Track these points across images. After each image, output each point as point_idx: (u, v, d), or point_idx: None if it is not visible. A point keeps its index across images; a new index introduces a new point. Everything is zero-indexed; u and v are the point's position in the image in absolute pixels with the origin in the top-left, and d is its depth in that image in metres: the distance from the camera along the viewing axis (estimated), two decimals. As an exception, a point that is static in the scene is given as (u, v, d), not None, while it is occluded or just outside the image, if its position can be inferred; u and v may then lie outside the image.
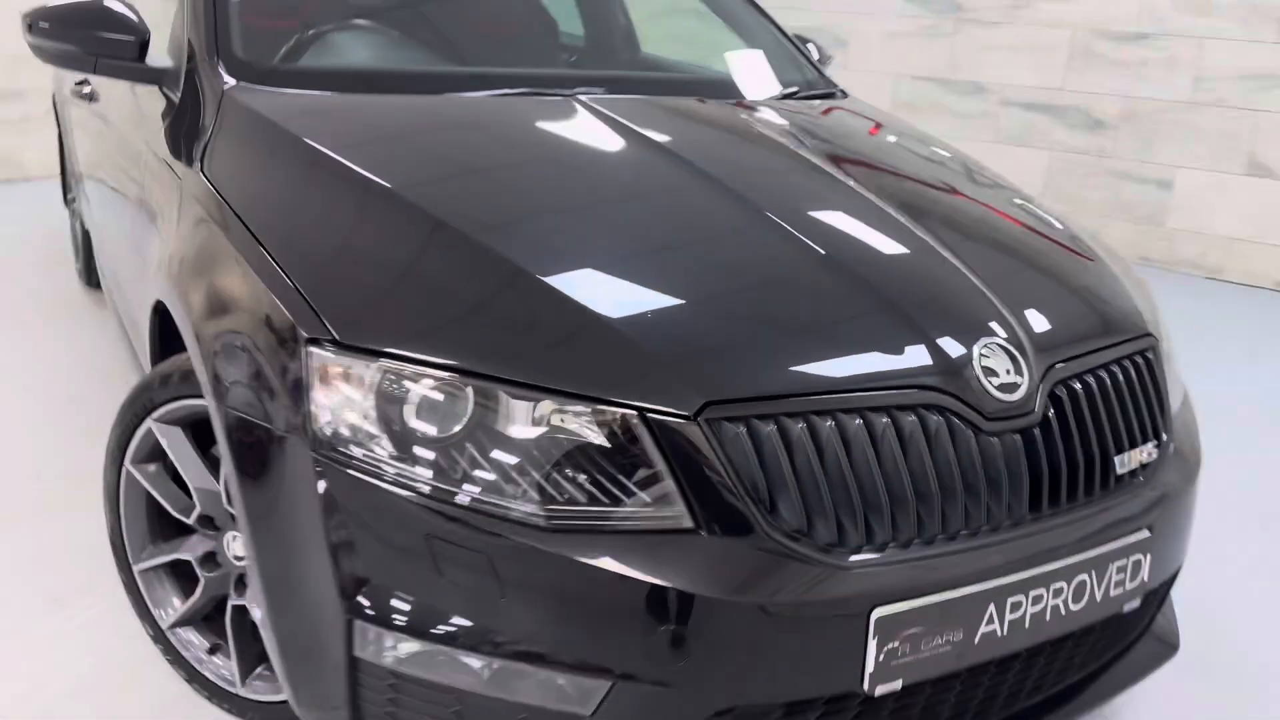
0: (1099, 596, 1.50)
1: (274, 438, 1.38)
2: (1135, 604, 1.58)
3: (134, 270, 2.20)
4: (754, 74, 2.56)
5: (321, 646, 1.39)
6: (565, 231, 1.57)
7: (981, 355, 1.43)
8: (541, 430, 1.29)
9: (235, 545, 1.71)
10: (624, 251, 1.55)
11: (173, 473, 1.80)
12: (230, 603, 1.74)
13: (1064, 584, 1.45)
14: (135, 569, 1.84)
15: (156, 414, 1.73)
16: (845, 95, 2.60)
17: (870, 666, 1.31)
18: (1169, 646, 1.80)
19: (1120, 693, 1.70)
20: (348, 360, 1.35)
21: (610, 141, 1.94)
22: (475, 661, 1.31)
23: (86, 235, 3.80)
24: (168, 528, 1.86)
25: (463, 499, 1.29)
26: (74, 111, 3.38)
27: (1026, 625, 1.43)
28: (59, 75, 3.79)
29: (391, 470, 1.31)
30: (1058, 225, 1.95)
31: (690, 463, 1.27)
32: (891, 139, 2.33)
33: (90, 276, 3.96)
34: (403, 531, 1.31)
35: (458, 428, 1.31)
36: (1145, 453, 1.59)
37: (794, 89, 2.53)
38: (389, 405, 1.33)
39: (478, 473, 1.30)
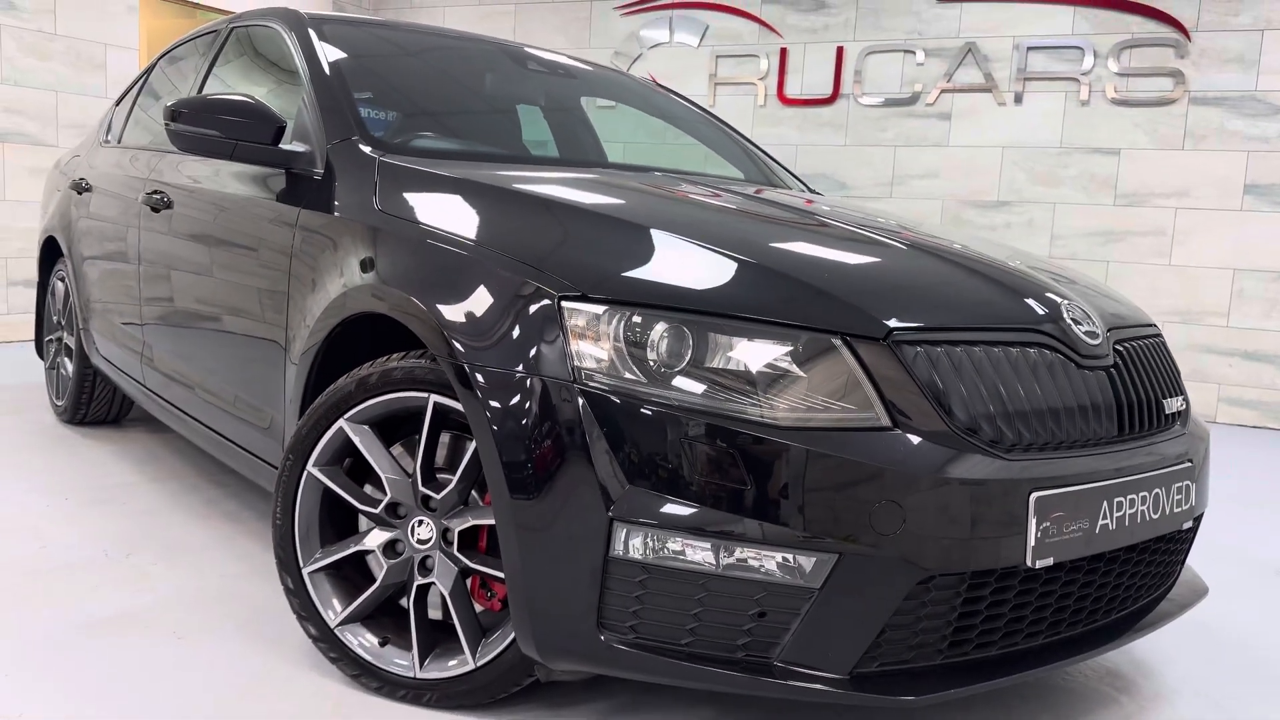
0: (1167, 510, 1.86)
1: (538, 383, 1.63)
2: (1188, 524, 1.96)
3: (265, 331, 2.40)
4: (770, 174, 3.08)
5: (573, 564, 1.60)
6: (744, 232, 1.98)
7: (1068, 310, 1.84)
8: (767, 355, 1.60)
9: (421, 529, 1.89)
10: (790, 242, 1.94)
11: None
12: (415, 584, 1.89)
13: (1147, 493, 1.81)
14: (305, 571, 1.97)
15: (350, 414, 1.93)
16: (821, 194, 3.14)
17: (1031, 541, 1.62)
18: (1200, 591, 2.17)
19: (1170, 621, 2.03)
20: (595, 309, 1.64)
21: (719, 195, 2.37)
22: (720, 548, 1.56)
23: (84, 374, 3.87)
24: (331, 532, 2.01)
25: (705, 410, 1.57)
26: (102, 234, 3.56)
27: (1126, 523, 1.77)
28: (65, 215, 3.96)
29: (643, 392, 1.59)
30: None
31: (883, 375, 1.60)
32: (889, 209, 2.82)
33: (76, 414, 3.99)
34: (656, 441, 1.57)
35: (690, 354, 1.61)
36: (1179, 402, 2.01)
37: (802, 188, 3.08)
38: (634, 340, 1.62)
39: (713, 389, 1.59)
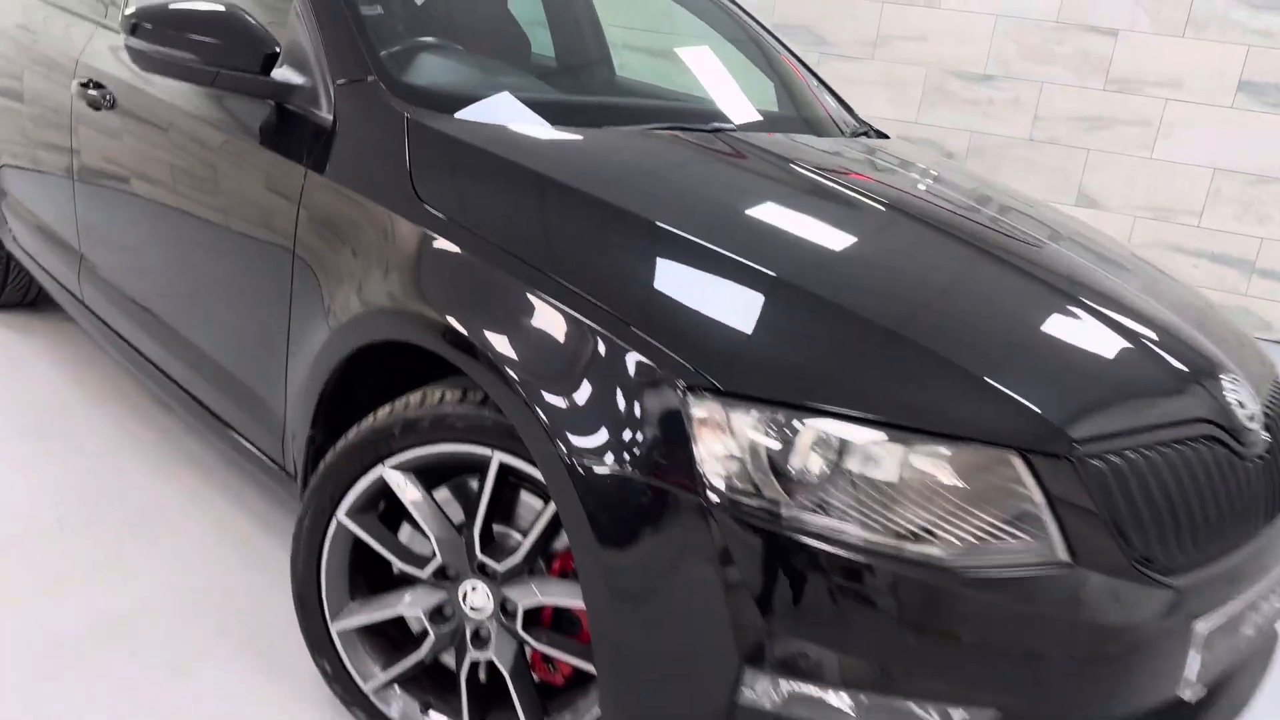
0: (1292, 597, 1.72)
1: (656, 492, 1.35)
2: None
3: (261, 313, 2.01)
4: (834, 112, 2.70)
5: (690, 701, 1.37)
6: (878, 277, 1.62)
7: (1231, 388, 1.62)
8: (924, 472, 1.35)
9: (475, 596, 1.63)
10: (934, 297, 1.61)
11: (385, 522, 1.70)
12: (467, 658, 1.65)
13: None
14: (335, 629, 1.71)
15: (393, 461, 1.62)
16: (889, 137, 2.78)
17: (1190, 674, 1.46)
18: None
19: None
20: (729, 408, 1.34)
21: (822, 189, 1.97)
22: (864, 700, 1.35)
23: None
24: (363, 580, 1.74)
25: (855, 543, 1.32)
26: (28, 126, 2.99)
27: (1263, 625, 1.63)
28: None
29: (782, 516, 1.33)
30: (1174, 278, 2.17)
31: (1063, 499, 1.37)
32: (1003, 192, 2.41)
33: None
34: (800, 577, 1.32)
35: (843, 471, 1.34)
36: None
37: (861, 130, 2.72)
38: (774, 452, 1.34)
39: (866, 516, 1.33)
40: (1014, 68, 6.03)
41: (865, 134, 2.74)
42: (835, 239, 1.74)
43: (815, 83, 2.93)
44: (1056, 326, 1.61)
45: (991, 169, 6.16)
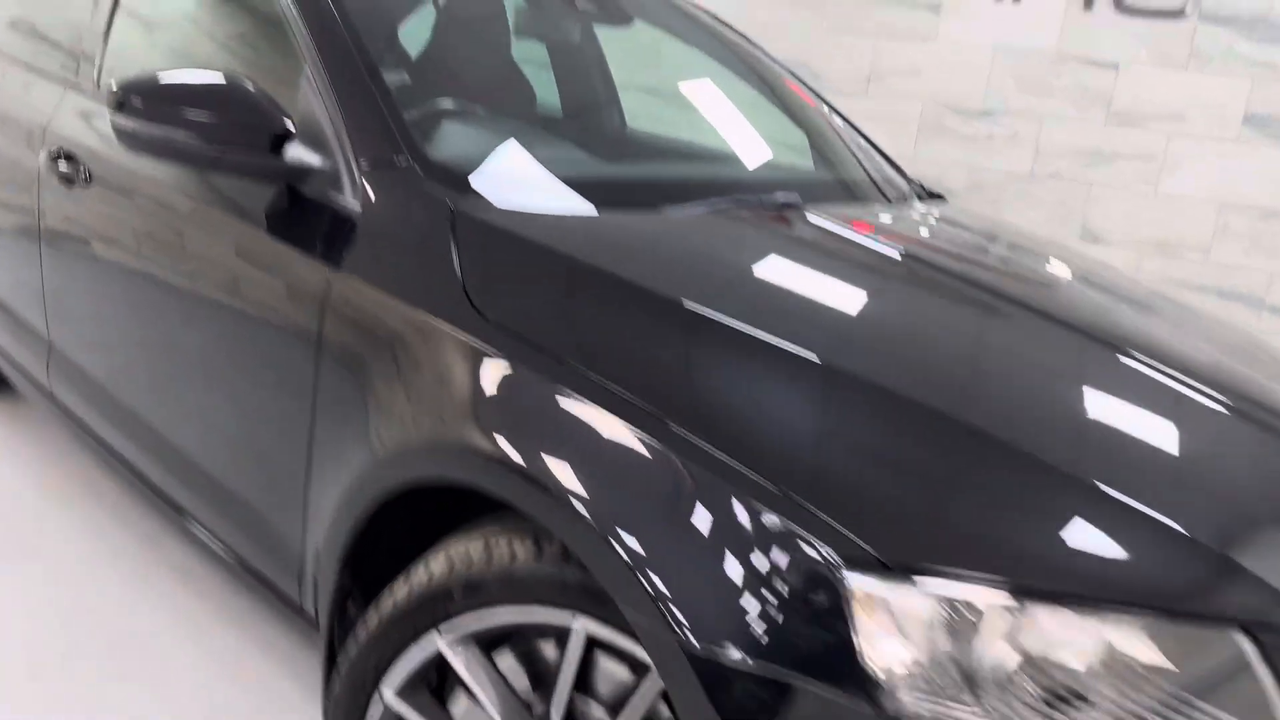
0: None
1: (794, 685, 1.08)
2: None
3: (274, 439, 1.72)
4: (885, 178, 2.49)
5: None
6: (1030, 400, 1.37)
7: None
8: (1131, 658, 1.10)
9: (556, 790, 1.35)
10: (1102, 425, 1.35)
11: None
12: None
13: None
14: (379, 828, 1.42)
15: (450, 629, 1.34)
16: (944, 198, 2.58)
17: None
18: None
19: None
20: (896, 585, 1.08)
21: (932, 283, 1.73)
22: None
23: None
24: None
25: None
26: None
27: None
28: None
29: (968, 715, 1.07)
30: None
31: (1290, 678, 1.13)
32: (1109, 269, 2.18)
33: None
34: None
35: (1035, 660, 1.09)
36: None
37: (915, 192, 2.51)
38: (956, 639, 1.08)
39: (1063, 716, 1.08)
40: (1013, 102, 5.88)
41: (919, 195, 2.53)
42: (973, 352, 1.48)
43: (864, 142, 2.73)
44: (1243, 460, 1.37)
45: (992, 204, 5.99)
